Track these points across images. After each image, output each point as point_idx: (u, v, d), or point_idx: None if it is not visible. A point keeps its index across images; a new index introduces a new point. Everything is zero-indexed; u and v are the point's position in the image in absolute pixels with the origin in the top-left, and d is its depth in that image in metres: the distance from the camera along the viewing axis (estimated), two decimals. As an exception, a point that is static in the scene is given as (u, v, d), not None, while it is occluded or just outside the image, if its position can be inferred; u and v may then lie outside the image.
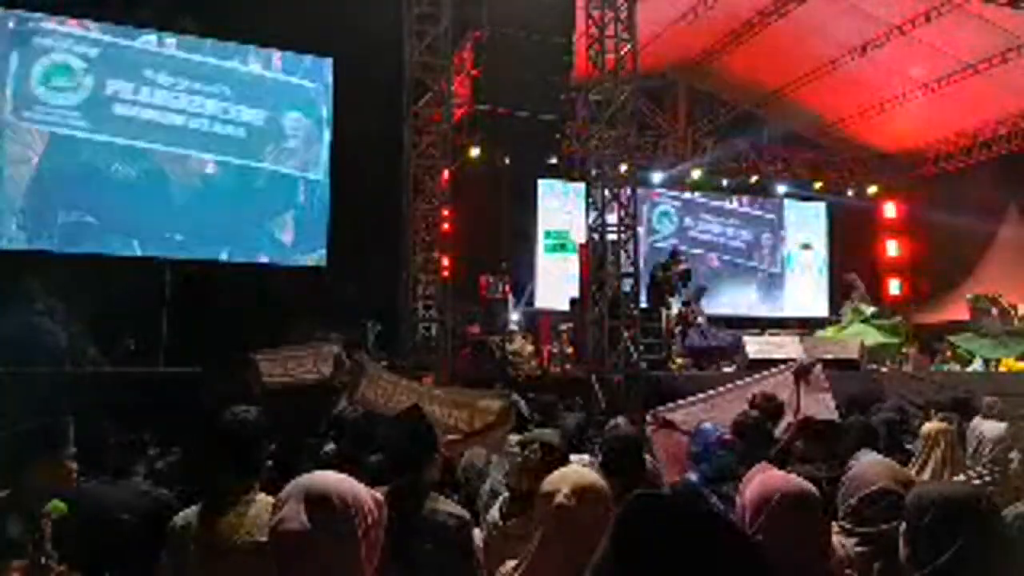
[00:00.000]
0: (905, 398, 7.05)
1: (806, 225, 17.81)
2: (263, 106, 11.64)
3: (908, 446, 4.43)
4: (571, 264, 12.22)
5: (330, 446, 3.87)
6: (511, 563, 1.96)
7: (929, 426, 3.93)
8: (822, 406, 4.93)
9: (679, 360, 10.20)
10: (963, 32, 12.45)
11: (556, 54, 10.51)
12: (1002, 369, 10.14)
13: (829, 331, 12.02)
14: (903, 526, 1.75)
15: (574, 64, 10.69)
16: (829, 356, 9.25)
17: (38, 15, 10.39)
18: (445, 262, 11.76)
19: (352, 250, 11.30)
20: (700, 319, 11.15)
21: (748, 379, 5.45)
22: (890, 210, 17.55)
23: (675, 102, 16.48)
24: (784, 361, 8.75)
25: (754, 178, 16.72)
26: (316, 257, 11.72)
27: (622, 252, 9.43)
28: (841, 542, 2.34)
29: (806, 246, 17.69)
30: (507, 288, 12.23)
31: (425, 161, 11.62)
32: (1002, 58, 12.79)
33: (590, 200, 9.58)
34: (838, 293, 14.66)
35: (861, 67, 13.93)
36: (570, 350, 10.89)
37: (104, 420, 3.56)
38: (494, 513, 3.05)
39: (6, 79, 10.20)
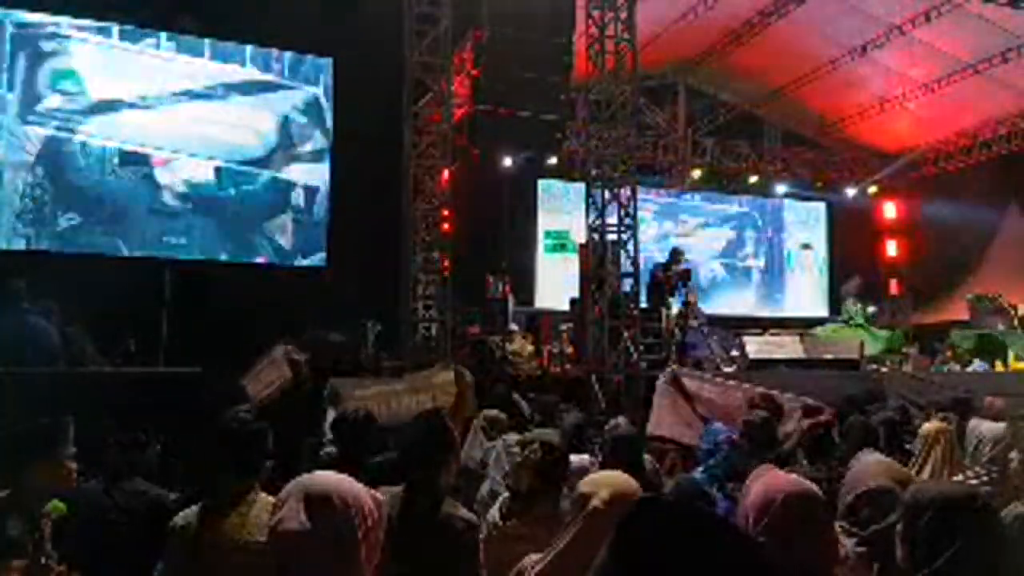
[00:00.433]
0: (905, 398, 7.05)
1: (806, 225, 17.81)
2: (271, 111, 11.65)
3: (908, 446, 4.43)
4: (571, 264, 12.20)
5: (330, 447, 3.88)
6: (535, 556, 1.97)
7: (928, 426, 3.93)
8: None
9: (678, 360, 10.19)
10: (963, 32, 12.45)
11: (556, 54, 10.50)
12: (1000, 369, 10.15)
13: (830, 328, 12.04)
14: (899, 526, 1.75)
15: (574, 64, 10.69)
16: (829, 356, 9.29)
17: (41, 16, 10.40)
18: (445, 262, 11.76)
19: (352, 250, 11.30)
20: (699, 320, 11.12)
21: (760, 386, 5.48)
22: (890, 210, 17.55)
23: (675, 102, 16.48)
24: (785, 361, 8.83)
25: (754, 178, 16.71)
26: (316, 259, 11.74)
27: (622, 252, 9.42)
28: (841, 542, 2.34)
29: (806, 246, 17.69)
30: (507, 288, 12.22)
31: (425, 161, 11.61)
32: (1002, 58, 12.79)
33: (590, 200, 9.58)
34: (837, 293, 14.67)
35: (861, 67, 13.93)
36: (570, 350, 10.88)
37: (104, 420, 3.56)
38: (494, 513, 3.05)
39: (14, 81, 10.21)
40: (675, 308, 10.48)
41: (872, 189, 17.37)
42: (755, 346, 9.48)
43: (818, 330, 12.06)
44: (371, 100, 11.29)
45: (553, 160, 14.41)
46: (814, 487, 1.94)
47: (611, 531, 1.69)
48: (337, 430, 3.76)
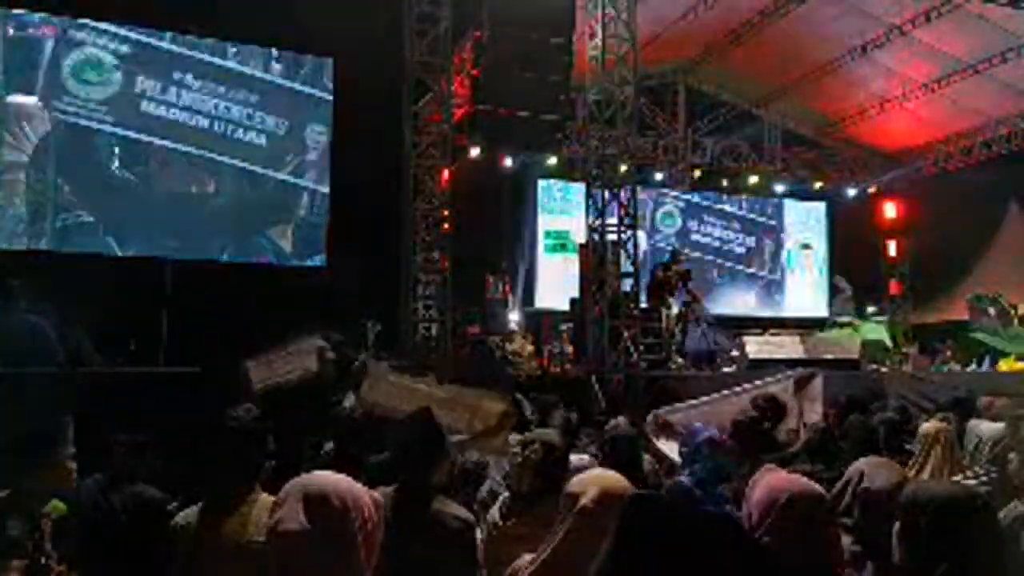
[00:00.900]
0: (906, 398, 7.06)
1: (806, 225, 17.80)
2: (286, 115, 11.69)
3: (908, 446, 4.43)
4: (571, 264, 12.20)
5: (330, 446, 3.88)
6: (528, 556, 1.97)
7: (927, 426, 3.93)
8: (815, 414, 4.98)
9: (679, 360, 10.19)
10: (963, 32, 12.45)
11: (556, 54, 10.50)
12: (1002, 369, 10.15)
13: (831, 332, 12.05)
14: (896, 526, 1.74)
15: (574, 64, 10.69)
16: (829, 356, 9.29)
17: (41, 15, 10.40)
18: (445, 262, 11.76)
19: (352, 250, 11.30)
20: (704, 317, 11.11)
21: (747, 384, 5.46)
22: (890, 210, 17.54)
23: (675, 102, 16.47)
24: (785, 361, 8.83)
25: (754, 178, 16.71)
26: (316, 259, 11.74)
27: (622, 252, 9.43)
28: (840, 542, 2.34)
29: (806, 246, 17.67)
30: (507, 288, 12.23)
31: (425, 161, 11.62)
32: (1002, 58, 12.79)
33: (590, 200, 9.59)
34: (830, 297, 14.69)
35: (861, 67, 13.93)
36: (570, 350, 10.89)
37: (104, 420, 3.57)
38: (494, 513, 3.05)
39: (14, 81, 10.23)
40: (675, 308, 10.49)
41: (872, 189, 17.38)
42: (755, 346, 9.49)
43: (830, 332, 12.07)
44: (371, 100, 11.30)
45: (553, 160, 14.41)
46: (817, 487, 1.94)
47: (601, 529, 1.69)
48: (336, 429, 3.76)
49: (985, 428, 3.80)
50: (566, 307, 11.34)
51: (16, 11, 10.31)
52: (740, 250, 17.14)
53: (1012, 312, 11.19)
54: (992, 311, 11.29)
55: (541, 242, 15.21)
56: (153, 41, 11.02)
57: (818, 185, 17.11)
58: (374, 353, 9.89)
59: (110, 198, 10.69)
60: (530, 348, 11.15)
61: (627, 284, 9.41)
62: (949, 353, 11.43)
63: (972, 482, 3.42)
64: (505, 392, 6.25)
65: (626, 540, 1.15)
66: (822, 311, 16.43)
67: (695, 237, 16.51)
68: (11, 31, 10.28)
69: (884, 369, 10.25)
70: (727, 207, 17.15)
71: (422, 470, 2.60)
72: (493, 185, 13.80)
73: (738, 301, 16.53)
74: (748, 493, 1.99)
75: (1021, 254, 14.08)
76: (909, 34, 12.81)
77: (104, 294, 8.05)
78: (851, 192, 17.43)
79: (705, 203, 16.89)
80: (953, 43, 12.90)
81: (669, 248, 13.29)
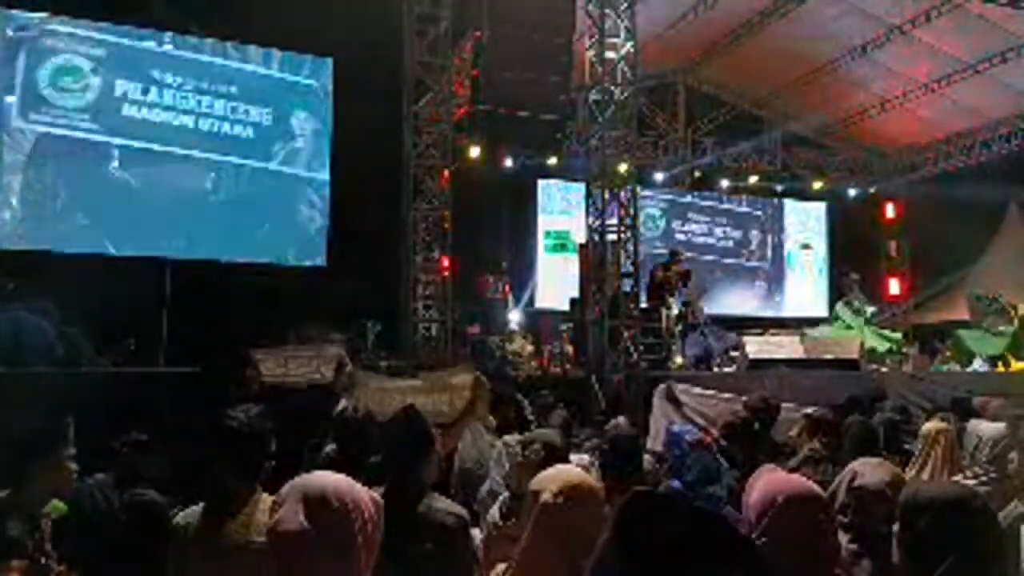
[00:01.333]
0: (906, 398, 7.05)
1: (806, 225, 17.81)
2: (270, 104, 11.65)
3: (908, 446, 4.43)
4: (571, 264, 12.21)
5: (330, 446, 3.87)
6: (501, 566, 1.96)
7: (928, 426, 3.93)
8: None
9: (679, 360, 10.19)
10: (963, 32, 12.44)
11: (556, 54, 10.49)
12: (1000, 369, 10.15)
13: (829, 329, 12.03)
14: (896, 527, 1.74)
15: (574, 64, 10.69)
16: (829, 356, 9.28)
17: (40, 15, 10.40)
18: (445, 262, 11.76)
19: (352, 250, 11.30)
20: (701, 320, 11.13)
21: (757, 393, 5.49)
22: (890, 210, 17.55)
23: (675, 102, 16.47)
24: (785, 361, 8.83)
25: (754, 178, 16.71)
26: (316, 259, 11.74)
27: (622, 252, 9.42)
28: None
29: (806, 246, 17.68)
30: (507, 288, 12.23)
31: (425, 161, 11.62)
32: (1002, 58, 12.79)
33: (590, 200, 9.58)
34: (837, 292, 14.65)
35: (861, 67, 13.92)
36: (570, 350, 10.89)
37: (104, 420, 3.57)
38: (494, 513, 3.06)
39: (15, 80, 10.20)
40: (675, 308, 10.48)
41: (872, 189, 17.38)
42: (755, 346, 9.48)
43: (829, 329, 12.04)
44: (371, 100, 11.30)
45: (553, 160, 14.41)
46: (816, 487, 1.94)
47: (566, 523, 1.70)
48: (336, 429, 3.76)
49: (985, 428, 3.79)
50: (566, 307, 11.34)
51: (15, 12, 10.31)
52: (728, 244, 17.09)
53: (1012, 312, 11.16)
54: (992, 311, 11.27)
55: (541, 242, 15.22)
56: (126, 41, 10.93)
57: (818, 185, 17.11)
58: (374, 353, 9.92)
59: (104, 201, 10.65)
60: (530, 348, 11.15)
61: (627, 284, 9.40)
62: (949, 353, 11.42)
63: (972, 482, 3.42)
64: (467, 363, 6.30)
65: (624, 534, 1.16)
66: (822, 311, 16.43)
67: (679, 236, 16.39)
68: (10, 32, 10.27)
69: (884, 369, 10.24)
70: (709, 202, 17.06)
71: (410, 468, 2.59)
72: (493, 185, 13.80)
73: (738, 301, 16.53)
74: (746, 493, 1.99)
75: (1021, 254, 14.08)
76: (909, 34, 12.80)
77: (104, 294, 8.05)
78: (851, 192, 17.44)
79: (683, 200, 16.79)
80: (953, 43, 12.89)
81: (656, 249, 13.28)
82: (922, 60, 13.48)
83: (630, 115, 9.69)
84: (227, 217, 11.31)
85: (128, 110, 10.82)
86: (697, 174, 16.30)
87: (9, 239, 10.06)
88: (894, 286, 17.16)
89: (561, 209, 15.23)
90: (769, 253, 17.49)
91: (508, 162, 14.13)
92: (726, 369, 9.89)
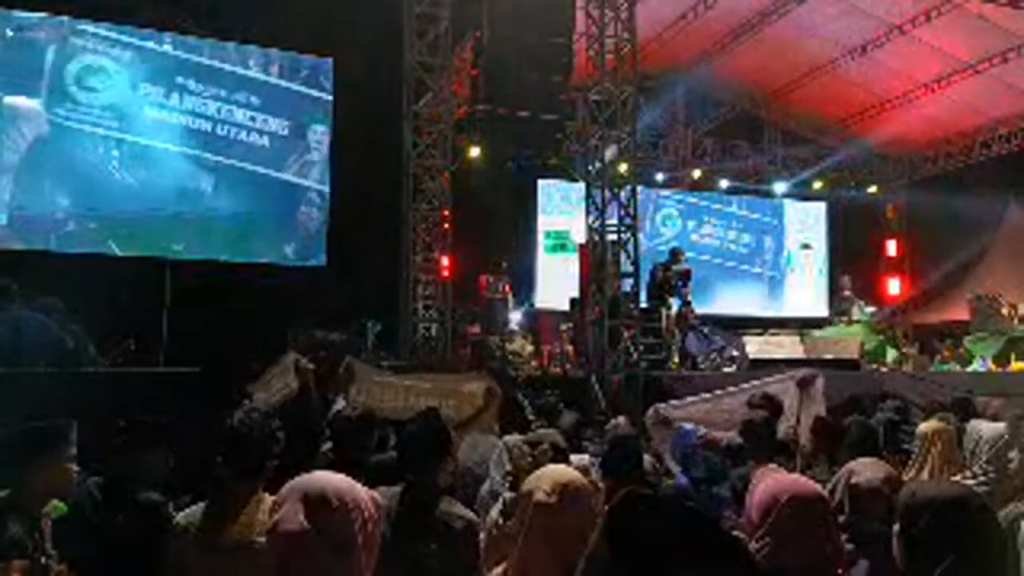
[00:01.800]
0: (906, 398, 7.05)
1: (806, 225, 17.80)
2: (271, 111, 11.68)
3: (906, 446, 4.42)
4: (571, 264, 12.20)
5: (328, 446, 3.88)
6: (498, 569, 1.96)
7: (926, 426, 3.92)
8: (819, 414, 4.95)
9: (679, 360, 10.19)
10: (963, 32, 12.45)
11: (556, 54, 10.50)
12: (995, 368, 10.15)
13: (829, 331, 12.02)
14: (896, 527, 1.74)
15: (574, 64, 10.69)
16: (829, 356, 9.29)
17: (41, 16, 10.39)
18: (445, 262, 11.76)
19: (352, 250, 11.30)
20: (691, 320, 11.11)
21: (749, 384, 5.44)
22: (890, 210, 17.55)
23: (675, 102, 16.47)
24: (785, 361, 8.83)
25: (754, 178, 16.71)
26: (316, 259, 11.75)
27: (622, 252, 9.42)
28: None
29: (806, 246, 17.67)
30: (507, 288, 12.22)
31: (425, 161, 11.62)
32: (1002, 58, 12.79)
33: (590, 200, 9.58)
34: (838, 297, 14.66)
35: (861, 67, 13.93)
36: (570, 350, 10.88)
37: (104, 420, 3.56)
38: (494, 514, 3.05)
39: (14, 81, 10.22)
40: (675, 308, 10.48)
41: (872, 189, 17.38)
42: (755, 346, 9.48)
43: (828, 330, 12.03)
44: (371, 100, 11.30)
45: (553, 160, 14.41)
46: (818, 487, 1.94)
47: (560, 521, 1.70)
48: (334, 429, 3.76)
49: (985, 428, 3.79)
50: (566, 307, 11.33)
51: (16, 12, 10.31)
52: (743, 251, 17.14)
53: (1012, 312, 11.17)
54: (992, 311, 11.28)
55: (541, 242, 15.22)
56: (151, 45, 11.00)
57: (818, 185, 17.11)
58: (374, 353, 9.91)
59: (112, 200, 10.68)
60: (530, 348, 11.14)
61: (627, 284, 9.40)
62: (948, 353, 11.43)
63: (971, 482, 3.42)
64: (482, 372, 6.26)
65: (615, 534, 1.17)
66: (822, 311, 16.43)
67: (695, 238, 16.49)
68: (10, 32, 10.27)
69: (884, 369, 10.24)
70: (727, 207, 17.15)
71: (430, 470, 2.60)
72: (493, 185, 13.80)
73: (738, 301, 16.53)
74: (749, 493, 2.00)
75: (1021, 254, 14.08)
76: (909, 34, 12.81)
77: (104, 294, 8.05)
78: (851, 192, 17.43)
79: (703, 203, 16.88)
80: (953, 43, 12.90)
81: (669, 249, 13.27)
82: (922, 60, 13.48)
83: (630, 115, 9.69)
84: (226, 218, 11.32)
85: (127, 112, 10.85)
86: (697, 174, 16.30)
87: (9, 239, 10.06)
88: (894, 286, 17.16)
89: (561, 209, 15.23)
90: (766, 253, 17.50)
91: (508, 162, 14.12)
92: (726, 369, 9.89)
